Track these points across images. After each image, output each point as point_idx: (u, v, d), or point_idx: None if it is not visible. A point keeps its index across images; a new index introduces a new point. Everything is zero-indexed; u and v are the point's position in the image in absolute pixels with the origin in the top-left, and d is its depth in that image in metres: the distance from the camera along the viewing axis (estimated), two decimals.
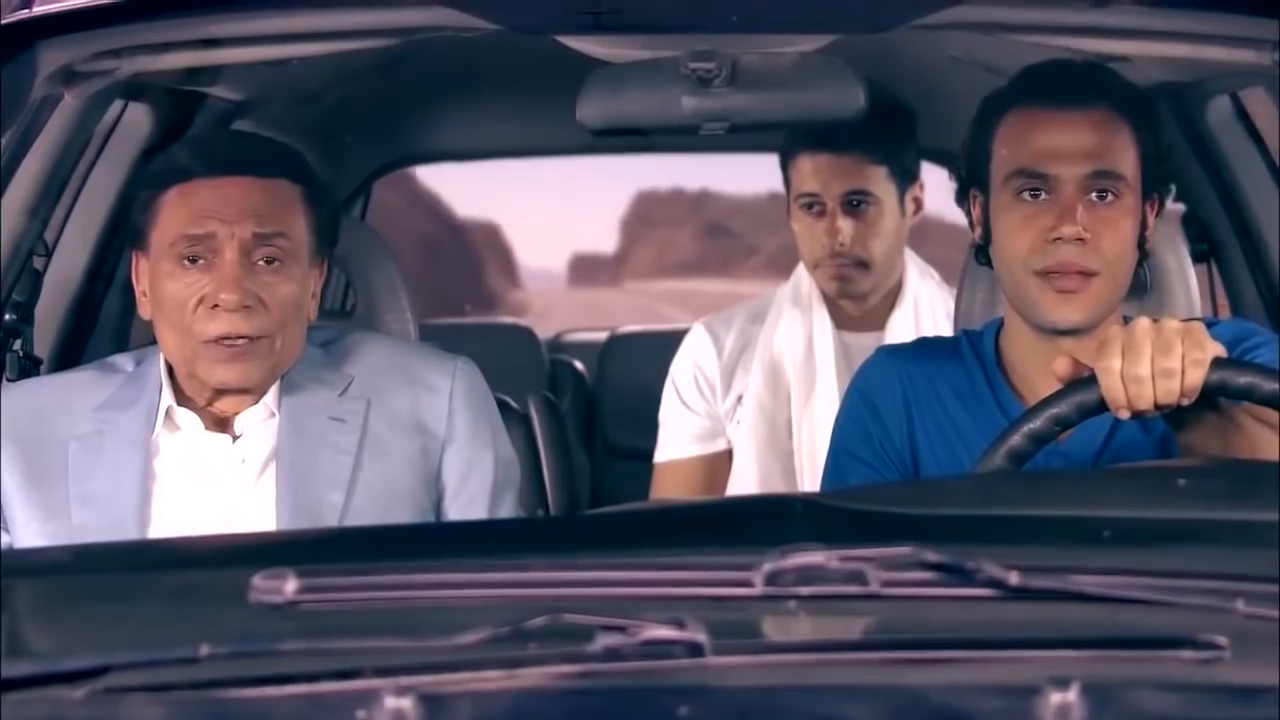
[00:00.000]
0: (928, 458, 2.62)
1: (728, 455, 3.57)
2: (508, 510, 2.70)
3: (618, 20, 2.47)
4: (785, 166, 3.57)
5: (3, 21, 2.37)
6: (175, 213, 2.55)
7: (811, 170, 3.48)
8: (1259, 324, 3.13)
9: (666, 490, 3.61)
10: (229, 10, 2.43)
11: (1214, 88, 3.52)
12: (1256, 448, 2.21)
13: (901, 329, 3.49)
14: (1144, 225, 2.56)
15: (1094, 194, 2.51)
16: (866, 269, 3.51)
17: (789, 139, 3.55)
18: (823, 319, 3.54)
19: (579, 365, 5.84)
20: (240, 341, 2.52)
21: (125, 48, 2.52)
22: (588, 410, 5.62)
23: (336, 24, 2.51)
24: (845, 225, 3.46)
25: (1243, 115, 3.64)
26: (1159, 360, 2.15)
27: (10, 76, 2.40)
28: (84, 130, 2.88)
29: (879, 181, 3.50)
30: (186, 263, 2.54)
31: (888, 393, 2.66)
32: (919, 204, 3.60)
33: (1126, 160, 2.53)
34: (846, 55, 2.82)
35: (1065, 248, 2.50)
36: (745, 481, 3.46)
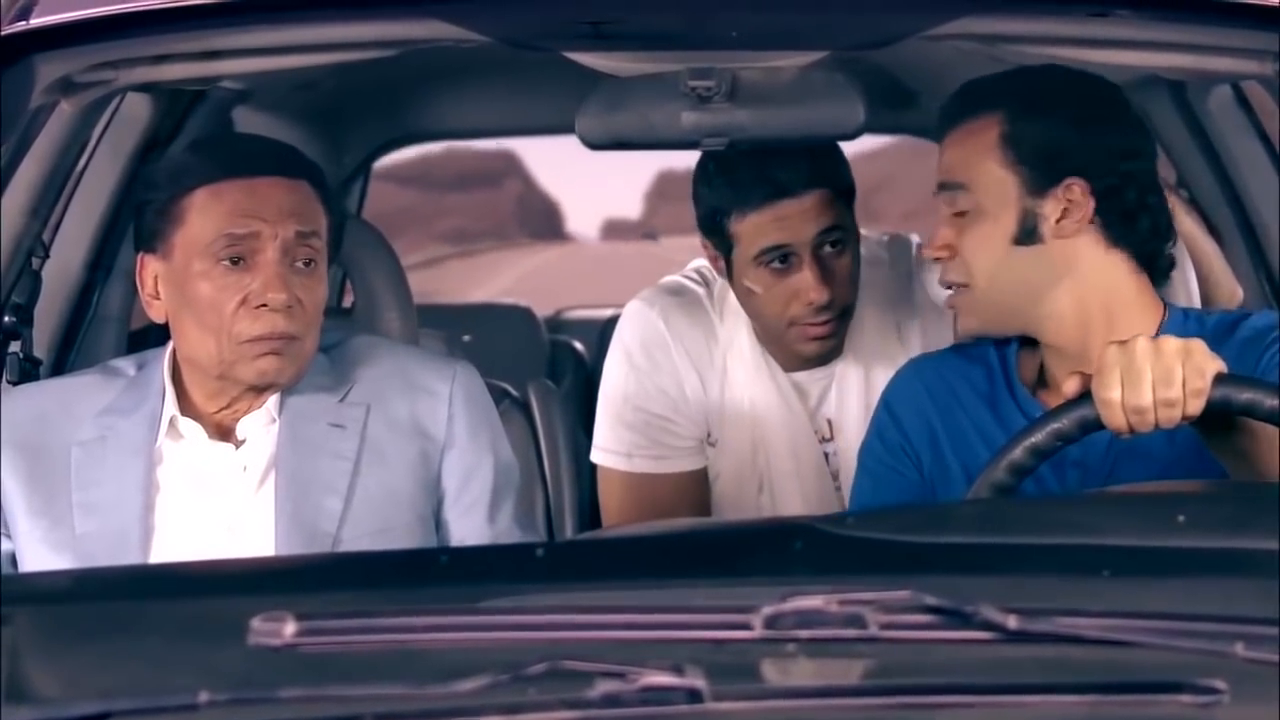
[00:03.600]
0: (951, 460, 2.63)
1: (697, 475, 3.30)
2: (508, 514, 2.70)
3: (615, 34, 2.47)
4: (719, 228, 3.09)
5: (1, 34, 2.36)
6: (208, 213, 2.54)
7: (774, 221, 3.03)
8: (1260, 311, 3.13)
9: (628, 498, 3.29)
10: (225, 24, 2.42)
11: (1214, 78, 3.51)
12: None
13: (854, 354, 3.19)
14: (1032, 217, 2.52)
15: (951, 209, 2.56)
16: (847, 316, 3.14)
17: (724, 198, 3.06)
18: (768, 370, 3.21)
19: (579, 346, 5.85)
20: (282, 340, 2.53)
21: (122, 60, 2.51)
22: (587, 391, 5.62)
23: (333, 36, 2.50)
24: (825, 273, 3.05)
25: (1243, 104, 3.63)
26: (1160, 390, 2.14)
27: (8, 87, 2.39)
28: (82, 135, 2.88)
29: (845, 212, 3.09)
30: (227, 263, 2.52)
31: (910, 400, 2.69)
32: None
33: (976, 167, 2.54)
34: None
35: (940, 268, 2.60)
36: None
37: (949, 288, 2.60)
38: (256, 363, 2.53)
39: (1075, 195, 2.53)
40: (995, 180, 2.53)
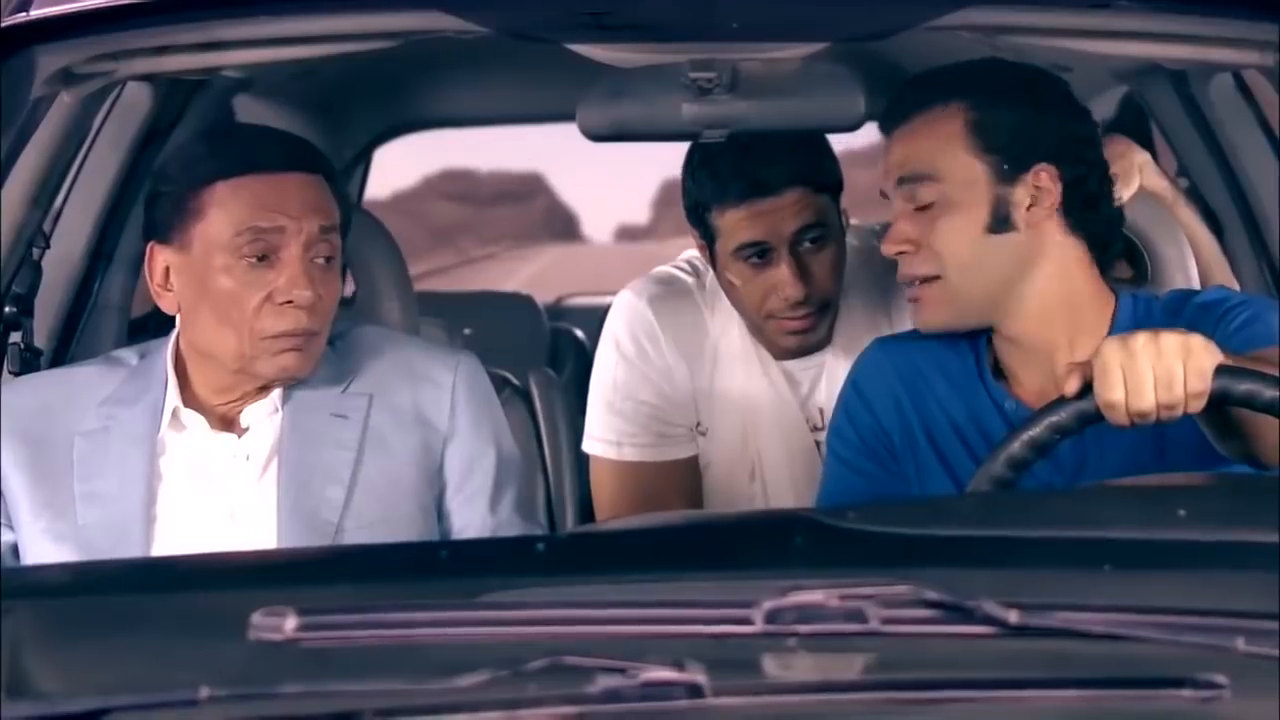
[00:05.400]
0: (924, 443, 2.64)
1: (688, 464, 3.31)
2: (509, 505, 2.70)
3: (616, 25, 2.47)
4: (701, 220, 3.13)
5: (1, 25, 2.36)
6: (230, 208, 2.52)
7: (751, 218, 3.05)
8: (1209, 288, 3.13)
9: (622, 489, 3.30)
10: (226, 14, 2.42)
11: (1215, 68, 3.50)
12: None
13: (845, 343, 3.17)
14: (1005, 205, 2.54)
15: (914, 203, 2.56)
16: (828, 310, 3.14)
17: (706, 192, 3.10)
18: (759, 359, 3.22)
19: (579, 334, 5.86)
20: (302, 337, 2.53)
21: (123, 51, 2.51)
22: (588, 379, 5.61)
23: (334, 27, 2.49)
24: (802, 270, 3.06)
25: (1244, 92, 3.62)
26: (1162, 394, 2.14)
27: (9, 78, 2.39)
28: (82, 126, 2.87)
29: (827, 208, 3.09)
30: (252, 260, 2.52)
31: (879, 382, 2.69)
32: (847, 216, 3.19)
33: (944, 157, 2.54)
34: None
35: (902, 261, 2.58)
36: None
37: (911, 282, 2.59)
38: (278, 358, 2.53)
39: (1044, 182, 2.55)
40: (964, 168, 2.54)
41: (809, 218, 3.06)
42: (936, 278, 2.55)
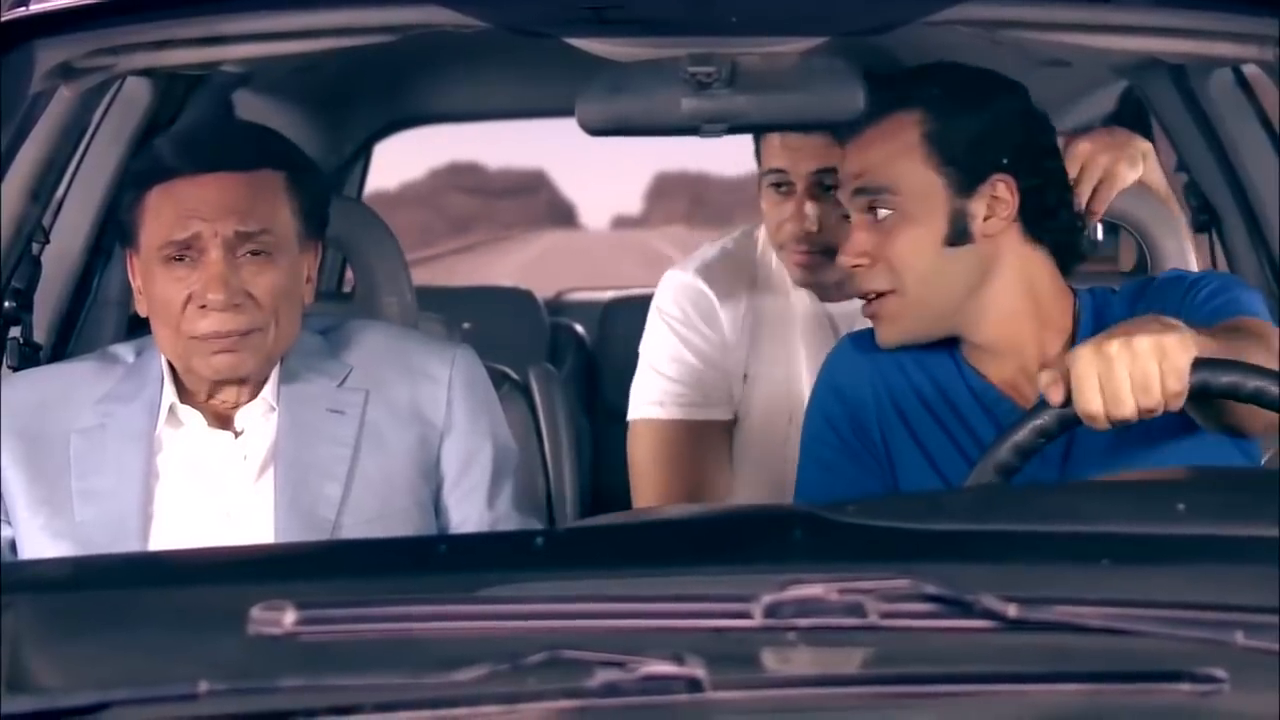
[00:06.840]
0: (901, 435, 2.63)
1: (723, 426, 3.37)
2: (507, 499, 2.70)
3: (616, 20, 2.47)
4: (756, 141, 3.34)
5: (1, 19, 2.36)
6: (159, 214, 2.54)
7: (780, 146, 3.23)
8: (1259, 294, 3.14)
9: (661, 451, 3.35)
10: (226, 9, 2.42)
11: (1215, 62, 3.50)
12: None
13: None
14: (962, 217, 2.53)
15: (872, 213, 2.54)
16: (832, 255, 3.02)
17: None
18: (801, 297, 3.32)
19: (579, 328, 5.86)
20: (231, 337, 2.52)
21: (122, 45, 2.51)
22: (588, 374, 5.64)
23: (334, 22, 2.49)
24: (814, 208, 3.19)
25: (1244, 86, 3.62)
26: (1140, 398, 2.14)
27: (8, 72, 2.39)
28: (82, 120, 2.87)
29: None
30: (174, 263, 2.52)
31: (855, 381, 2.67)
32: None
33: (900, 169, 2.53)
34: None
35: (857, 275, 2.58)
36: (747, 475, 3.35)
37: (866, 297, 2.58)
38: (211, 360, 2.54)
39: (1001, 192, 2.54)
40: (922, 181, 2.53)
41: (828, 162, 3.13)
42: (892, 292, 2.54)
